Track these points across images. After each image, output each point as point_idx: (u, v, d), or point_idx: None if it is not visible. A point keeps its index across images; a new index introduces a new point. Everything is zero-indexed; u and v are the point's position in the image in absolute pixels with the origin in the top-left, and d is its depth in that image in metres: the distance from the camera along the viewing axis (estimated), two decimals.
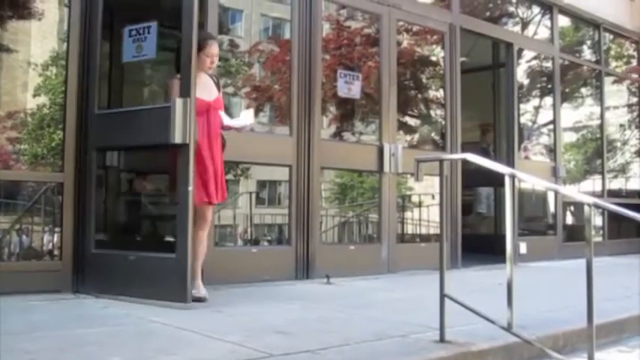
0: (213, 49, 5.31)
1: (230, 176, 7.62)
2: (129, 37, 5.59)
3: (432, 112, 9.47)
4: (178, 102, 4.84)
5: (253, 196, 8.79)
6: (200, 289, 5.09)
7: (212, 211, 5.47)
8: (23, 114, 6.15)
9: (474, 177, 8.26)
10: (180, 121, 4.83)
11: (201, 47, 5.13)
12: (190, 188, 4.78)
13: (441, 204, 4.28)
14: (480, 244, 9.10)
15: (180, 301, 4.73)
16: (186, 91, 4.89)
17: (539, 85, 11.06)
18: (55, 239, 5.69)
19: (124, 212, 7.08)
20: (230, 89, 7.73)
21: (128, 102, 7.02)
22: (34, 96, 6.20)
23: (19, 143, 6.05)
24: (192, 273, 4.92)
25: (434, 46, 9.20)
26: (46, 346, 3.45)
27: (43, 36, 6.17)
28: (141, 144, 5.43)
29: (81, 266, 5.43)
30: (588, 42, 11.90)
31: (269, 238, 8.47)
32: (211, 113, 5.23)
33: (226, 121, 5.42)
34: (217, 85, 5.51)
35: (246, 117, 5.63)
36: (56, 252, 5.60)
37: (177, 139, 4.82)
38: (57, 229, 5.62)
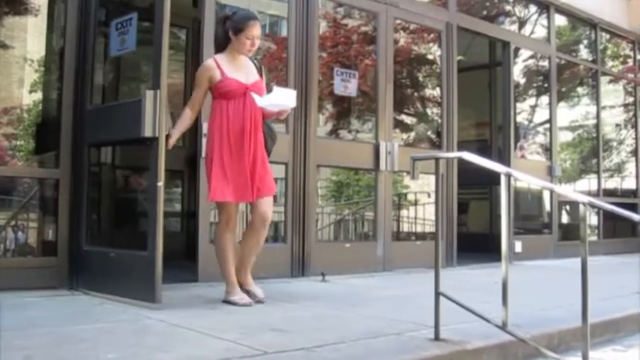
0: (255, 30, 4.88)
1: None
2: (115, 30, 5.52)
3: (429, 111, 9.48)
4: (148, 94, 4.67)
5: None
6: (238, 296, 4.88)
7: (234, 208, 4.97)
8: (19, 110, 6.15)
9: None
10: (151, 113, 4.66)
11: (240, 29, 4.84)
12: (160, 184, 4.57)
13: (436, 202, 4.28)
14: (476, 243, 9.13)
15: (148, 300, 4.57)
16: (155, 83, 4.74)
17: (535, 84, 11.07)
18: (51, 235, 5.68)
19: (116, 209, 7.07)
20: None
21: (124, 97, 7.01)
22: (30, 92, 6.19)
23: (15, 139, 6.05)
24: (227, 278, 4.92)
25: (431, 45, 9.20)
26: (41, 342, 3.44)
27: (39, 32, 6.16)
28: (119, 139, 5.47)
29: (76, 263, 5.43)
30: (585, 41, 11.91)
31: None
32: (248, 98, 4.83)
33: (259, 101, 4.80)
34: (259, 69, 5.11)
35: (284, 96, 4.91)
36: (52, 248, 5.59)
37: (148, 132, 4.66)
38: (52, 226, 5.62)
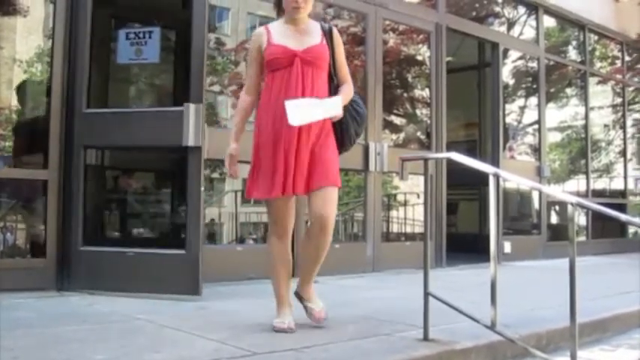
0: None
1: (216, 174, 7.61)
2: (126, 39, 5.69)
3: (418, 111, 9.49)
4: (191, 107, 5.12)
5: (239, 194, 8.77)
6: (279, 319, 4.00)
7: (278, 207, 4.03)
8: (8, 111, 6.12)
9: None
10: (193, 124, 5.18)
11: None
12: (202, 189, 4.80)
13: (425, 203, 4.29)
14: (465, 243, 9.14)
15: (190, 293, 5.12)
16: (197, 97, 5.10)
17: (524, 85, 11.10)
18: (40, 237, 5.66)
19: (109, 209, 7.05)
20: (217, 87, 7.70)
21: (124, 101, 7.02)
22: (19, 93, 6.17)
23: (4, 140, 6.02)
24: (278, 298, 4.10)
25: (420, 46, 9.22)
26: (30, 343, 3.44)
27: (28, 32, 6.15)
28: (146, 145, 5.60)
29: (66, 264, 5.42)
30: (573, 42, 11.95)
31: (254, 236, 8.44)
32: (299, 67, 3.90)
33: (291, 117, 3.82)
34: (326, 33, 4.09)
35: (323, 108, 3.89)
36: (41, 249, 5.57)
37: (190, 142, 5.18)
38: (41, 227, 5.60)
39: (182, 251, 5.31)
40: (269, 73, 4.00)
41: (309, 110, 3.79)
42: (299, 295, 4.23)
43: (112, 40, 6.12)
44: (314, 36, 4.04)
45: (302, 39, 3.99)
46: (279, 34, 4.01)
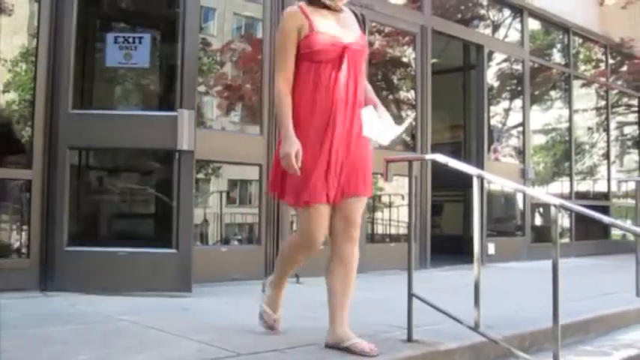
0: None
1: (201, 175, 7.60)
2: (114, 43, 5.72)
3: (403, 113, 9.51)
4: (185, 113, 5.29)
5: (224, 195, 8.76)
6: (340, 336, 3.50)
7: (317, 215, 3.49)
8: None
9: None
10: (187, 129, 5.39)
11: None
12: (194, 191, 4.75)
13: (410, 204, 4.31)
14: (450, 245, 9.17)
15: (182, 290, 5.31)
16: (190, 104, 5.27)
17: (509, 88, 11.15)
18: (23, 237, 5.63)
19: (94, 210, 7.02)
20: (202, 88, 7.69)
21: (110, 102, 7.01)
22: (4, 92, 6.13)
23: None
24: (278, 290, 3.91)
25: (405, 48, 9.23)
26: (13, 345, 3.41)
27: (13, 31, 6.11)
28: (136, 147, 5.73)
29: (50, 264, 5.40)
30: (558, 45, 12.02)
31: (239, 237, 8.43)
32: (348, 62, 3.49)
33: (367, 130, 3.54)
34: (360, 21, 3.71)
35: (386, 129, 3.62)
36: (24, 250, 5.54)
37: (185, 146, 5.40)
38: (25, 227, 5.57)
39: (174, 250, 5.47)
40: (307, 63, 3.50)
41: (385, 126, 3.59)
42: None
43: (98, 41, 6.10)
44: (354, 26, 3.63)
45: (345, 29, 3.56)
46: (320, 20, 3.51)
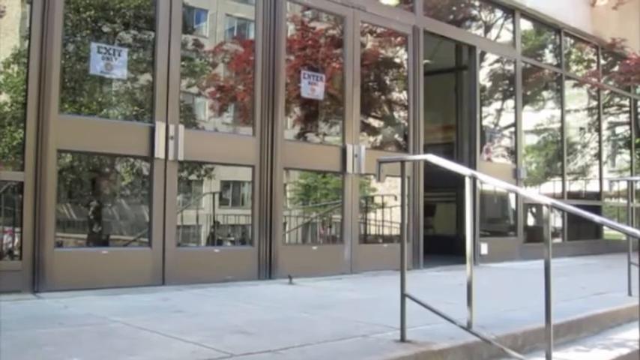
0: None
1: (194, 176, 7.60)
2: (97, 52, 5.86)
3: (395, 114, 9.52)
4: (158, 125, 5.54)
5: (217, 196, 8.76)
6: None
7: None
8: None
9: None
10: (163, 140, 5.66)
11: None
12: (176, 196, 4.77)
13: (402, 205, 4.31)
14: (442, 245, 9.18)
15: None
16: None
17: (501, 88, 11.17)
18: (15, 239, 5.61)
19: (85, 211, 7.02)
20: (194, 89, 7.69)
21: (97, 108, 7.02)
22: None
23: None
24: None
25: (397, 48, 9.24)
26: (5, 347, 3.40)
27: (4, 33, 6.09)
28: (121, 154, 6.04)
29: (42, 266, 5.38)
30: (550, 46, 12.05)
31: (232, 238, 8.44)
32: None
33: None
34: None
35: None
36: (16, 252, 5.53)
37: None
38: (17, 229, 5.55)
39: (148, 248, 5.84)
40: None
41: None
42: None
43: (85, 46, 6.13)
44: None
45: None
46: None
